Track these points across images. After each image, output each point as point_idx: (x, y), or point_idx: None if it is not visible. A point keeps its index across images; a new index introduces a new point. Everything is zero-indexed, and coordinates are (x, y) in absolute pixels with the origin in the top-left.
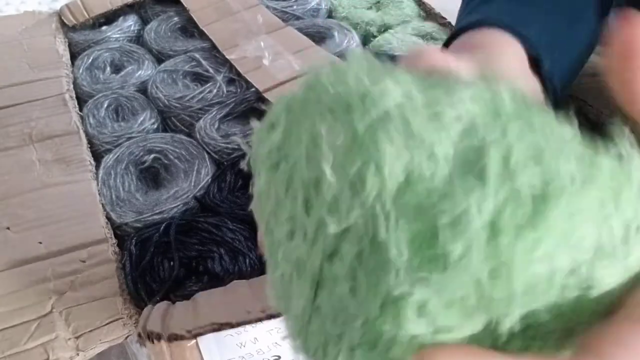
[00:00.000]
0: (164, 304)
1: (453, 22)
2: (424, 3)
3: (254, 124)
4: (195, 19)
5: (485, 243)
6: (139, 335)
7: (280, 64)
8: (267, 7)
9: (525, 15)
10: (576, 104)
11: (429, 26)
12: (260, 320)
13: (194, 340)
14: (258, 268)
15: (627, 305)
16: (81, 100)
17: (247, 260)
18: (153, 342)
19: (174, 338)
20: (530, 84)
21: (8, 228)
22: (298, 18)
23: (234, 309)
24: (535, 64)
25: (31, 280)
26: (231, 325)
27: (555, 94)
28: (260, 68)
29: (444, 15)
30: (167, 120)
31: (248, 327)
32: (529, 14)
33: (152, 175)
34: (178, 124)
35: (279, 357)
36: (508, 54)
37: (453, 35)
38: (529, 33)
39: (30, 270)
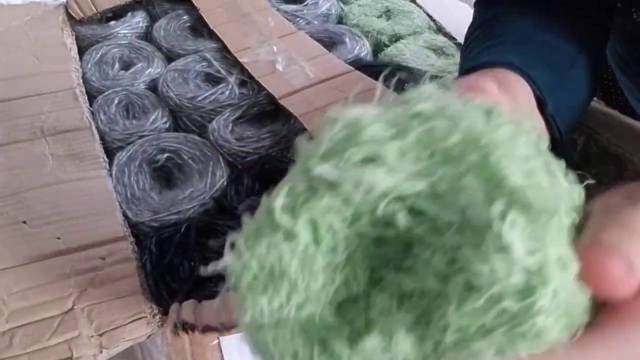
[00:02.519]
0: (190, 303)
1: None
2: (433, 19)
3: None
4: (206, 19)
5: None
6: (174, 325)
7: (294, 70)
8: (278, 10)
9: (530, 57)
10: (587, 132)
11: (441, 40)
12: None
13: (217, 340)
14: None
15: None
16: (90, 96)
17: None
18: (188, 333)
19: (207, 329)
20: (538, 124)
21: (24, 222)
22: (308, 22)
23: None
24: (539, 104)
25: (51, 275)
26: None
27: (559, 133)
28: (274, 73)
29: (449, 29)
30: (178, 120)
31: None
32: (533, 56)
33: (165, 175)
34: (189, 124)
35: None
36: (521, 94)
37: (462, 74)
38: (535, 75)
39: (49, 266)
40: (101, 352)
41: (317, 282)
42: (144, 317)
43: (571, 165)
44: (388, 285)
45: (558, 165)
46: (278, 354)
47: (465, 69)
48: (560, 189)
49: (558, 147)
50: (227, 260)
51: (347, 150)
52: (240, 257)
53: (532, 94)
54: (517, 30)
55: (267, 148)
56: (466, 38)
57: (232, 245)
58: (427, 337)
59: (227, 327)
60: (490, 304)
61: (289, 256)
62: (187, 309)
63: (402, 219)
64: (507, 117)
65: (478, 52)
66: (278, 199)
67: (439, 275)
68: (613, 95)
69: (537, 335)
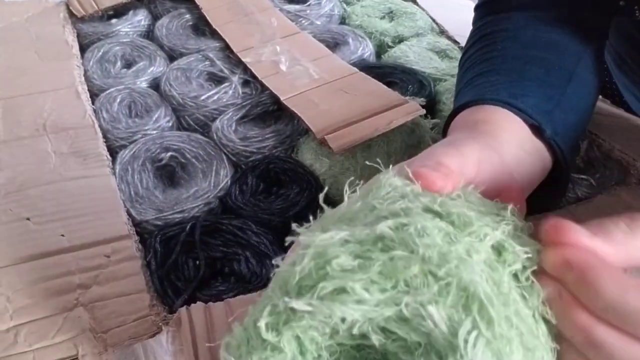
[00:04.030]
0: (200, 307)
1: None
2: (436, 22)
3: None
4: (208, 18)
5: None
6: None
7: (298, 71)
8: (281, 10)
9: (521, 88)
10: (590, 136)
11: (444, 43)
12: None
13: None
14: None
15: None
16: (92, 94)
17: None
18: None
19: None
20: (535, 149)
21: (28, 219)
22: (311, 23)
23: None
24: (537, 130)
25: (55, 273)
26: None
27: (562, 152)
28: (278, 74)
29: (449, 30)
30: (181, 119)
31: None
32: (524, 86)
33: (168, 174)
34: (192, 123)
35: None
36: (507, 129)
37: (455, 112)
38: (526, 105)
39: (54, 263)
40: (106, 350)
41: None
42: (149, 315)
43: (574, 169)
44: None
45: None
46: None
47: (456, 107)
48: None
49: (562, 166)
50: None
51: (318, 284)
52: None
53: (523, 125)
54: (512, 53)
55: (271, 148)
56: (465, 50)
57: (225, 347)
58: None
59: None
60: None
61: None
62: (198, 322)
63: (375, 339)
64: (465, 226)
65: (472, 79)
66: (262, 319)
67: None
68: (609, 91)
69: None
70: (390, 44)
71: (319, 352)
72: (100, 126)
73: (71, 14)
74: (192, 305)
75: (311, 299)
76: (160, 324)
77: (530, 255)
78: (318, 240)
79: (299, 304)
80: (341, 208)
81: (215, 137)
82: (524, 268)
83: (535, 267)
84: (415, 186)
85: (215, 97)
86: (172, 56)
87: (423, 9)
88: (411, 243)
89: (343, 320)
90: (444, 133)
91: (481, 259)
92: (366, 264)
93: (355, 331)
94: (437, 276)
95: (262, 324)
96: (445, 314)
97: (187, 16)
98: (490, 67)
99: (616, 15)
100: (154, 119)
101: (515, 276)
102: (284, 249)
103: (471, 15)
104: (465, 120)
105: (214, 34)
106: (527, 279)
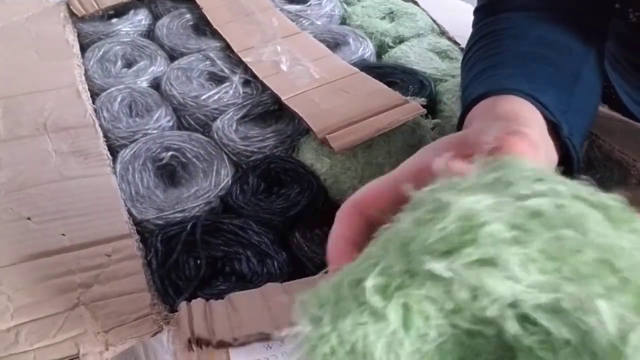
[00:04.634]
0: (200, 303)
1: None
2: (437, 22)
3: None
4: (209, 18)
5: None
6: (189, 341)
7: (298, 71)
8: (281, 10)
9: (536, 84)
10: (590, 137)
11: (445, 44)
12: None
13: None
14: (287, 271)
15: None
16: (92, 93)
17: (276, 263)
18: (202, 348)
19: (221, 345)
20: (550, 149)
21: (29, 218)
22: (312, 23)
23: (276, 316)
24: (553, 128)
25: (56, 272)
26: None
27: (577, 153)
28: (279, 74)
29: (450, 30)
30: (181, 119)
31: None
32: (538, 82)
33: (169, 173)
34: (192, 122)
35: None
36: (534, 122)
37: (472, 103)
38: (546, 100)
39: (55, 262)
40: (107, 349)
41: None
42: (151, 314)
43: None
44: None
45: None
46: None
47: (475, 96)
48: None
49: (574, 167)
50: (302, 324)
51: (464, 249)
52: (318, 327)
53: (542, 120)
54: (519, 50)
55: (272, 147)
56: (466, 51)
57: (302, 305)
58: None
59: (240, 343)
60: None
61: (375, 337)
62: (197, 317)
63: (513, 326)
64: (624, 222)
65: (480, 72)
66: (370, 279)
67: None
68: (605, 89)
69: None
70: (390, 44)
71: (426, 331)
72: (101, 125)
73: (72, 14)
74: (193, 301)
75: (452, 264)
76: (161, 323)
77: None
78: (464, 200)
79: (437, 267)
80: (467, 178)
81: (216, 137)
82: None
83: None
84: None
85: (216, 97)
86: (172, 56)
87: (424, 10)
88: (579, 226)
89: (485, 296)
90: (459, 127)
91: None
92: (525, 237)
93: (491, 313)
94: (615, 268)
95: (369, 284)
96: (617, 313)
97: (188, 16)
98: (498, 61)
99: (612, 17)
100: (154, 118)
101: None
102: (284, 249)
103: (471, 17)
104: (488, 109)
105: (215, 34)
106: None
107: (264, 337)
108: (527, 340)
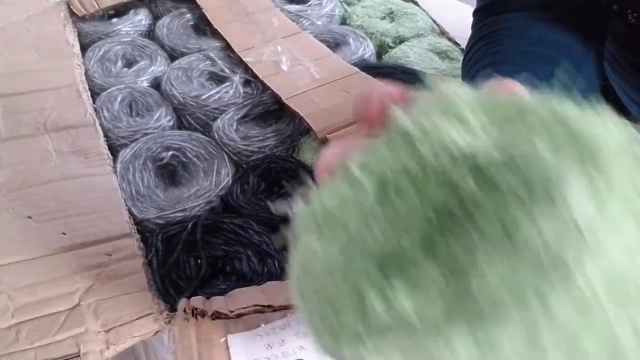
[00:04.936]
0: (199, 299)
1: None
2: (437, 22)
3: None
4: (209, 18)
5: None
6: (184, 310)
7: (299, 71)
8: (282, 10)
9: (538, 81)
10: None
11: (445, 44)
12: None
13: (224, 338)
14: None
15: None
16: (92, 93)
17: (276, 263)
18: (197, 319)
19: (217, 316)
20: None
21: (30, 217)
22: (312, 23)
23: (271, 296)
24: None
25: (57, 271)
26: (273, 309)
27: None
28: (279, 74)
29: (450, 31)
30: (182, 118)
31: (277, 328)
32: (540, 80)
33: (169, 173)
34: (193, 122)
35: None
36: None
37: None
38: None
39: (55, 261)
40: (108, 348)
41: (372, 234)
42: (151, 313)
43: None
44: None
45: None
46: (318, 301)
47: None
48: None
49: None
50: (296, 205)
51: (432, 110)
52: (307, 203)
53: None
54: (520, 49)
55: (272, 147)
56: (466, 52)
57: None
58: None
59: (236, 314)
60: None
61: (351, 204)
62: (196, 300)
63: (469, 182)
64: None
65: (482, 69)
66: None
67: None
68: (605, 90)
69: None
70: (391, 44)
71: (399, 204)
72: (101, 125)
73: (72, 13)
74: (192, 297)
75: (415, 117)
76: (162, 322)
77: None
78: (446, 85)
79: (402, 117)
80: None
81: (216, 137)
82: None
83: None
84: None
85: (217, 97)
86: (173, 56)
87: (424, 10)
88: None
89: (444, 149)
90: None
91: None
92: (491, 112)
93: (449, 171)
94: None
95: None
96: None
97: (188, 16)
98: (500, 58)
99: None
100: (155, 118)
101: None
102: (284, 248)
103: (471, 17)
104: None
105: (215, 34)
106: None
107: (259, 310)
108: (481, 200)
